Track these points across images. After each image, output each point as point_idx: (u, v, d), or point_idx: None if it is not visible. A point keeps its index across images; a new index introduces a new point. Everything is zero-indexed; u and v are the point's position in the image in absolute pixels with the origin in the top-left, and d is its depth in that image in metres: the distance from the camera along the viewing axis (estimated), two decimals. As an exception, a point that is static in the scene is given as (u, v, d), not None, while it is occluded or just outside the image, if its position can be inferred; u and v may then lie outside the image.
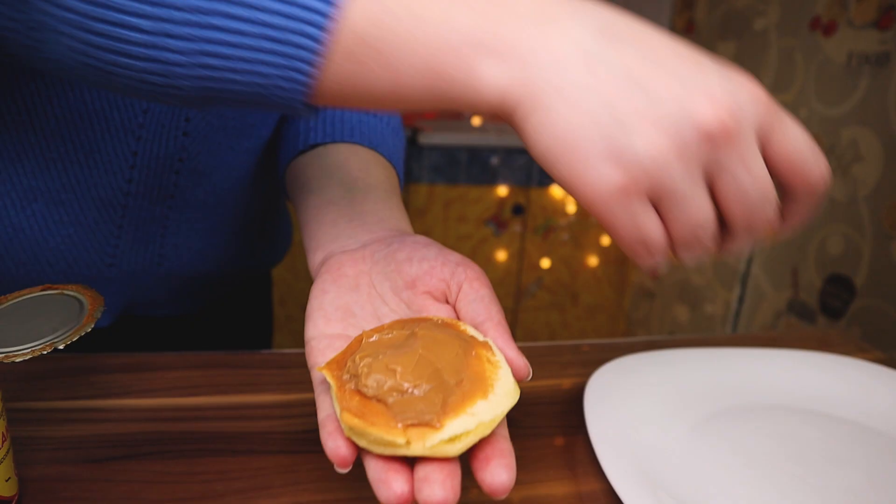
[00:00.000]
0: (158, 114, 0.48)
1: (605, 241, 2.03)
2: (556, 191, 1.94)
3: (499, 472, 0.27)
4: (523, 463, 0.43)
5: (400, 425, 0.28)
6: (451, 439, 0.28)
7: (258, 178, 0.59)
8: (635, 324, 2.08)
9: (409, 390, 0.29)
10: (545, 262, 2.01)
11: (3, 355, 0.34)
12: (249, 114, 0.52)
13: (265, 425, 0.46)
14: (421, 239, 0.38)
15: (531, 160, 1.90)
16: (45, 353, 0.33)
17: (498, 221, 1.94)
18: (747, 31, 1.61)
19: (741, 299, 1.61)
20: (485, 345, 0.32)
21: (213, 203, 0.55)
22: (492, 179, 1.89)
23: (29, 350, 0.34)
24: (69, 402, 0.46)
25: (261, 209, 0.62)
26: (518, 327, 2.05)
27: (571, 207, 1.97)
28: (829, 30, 1.38)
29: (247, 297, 0.70)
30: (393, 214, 0.42)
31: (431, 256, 0.36)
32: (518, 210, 1.94)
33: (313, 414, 0.47)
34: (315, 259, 0.40)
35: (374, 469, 0.28)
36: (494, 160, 1.87)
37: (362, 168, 0.47)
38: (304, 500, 0.39)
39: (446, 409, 0.28)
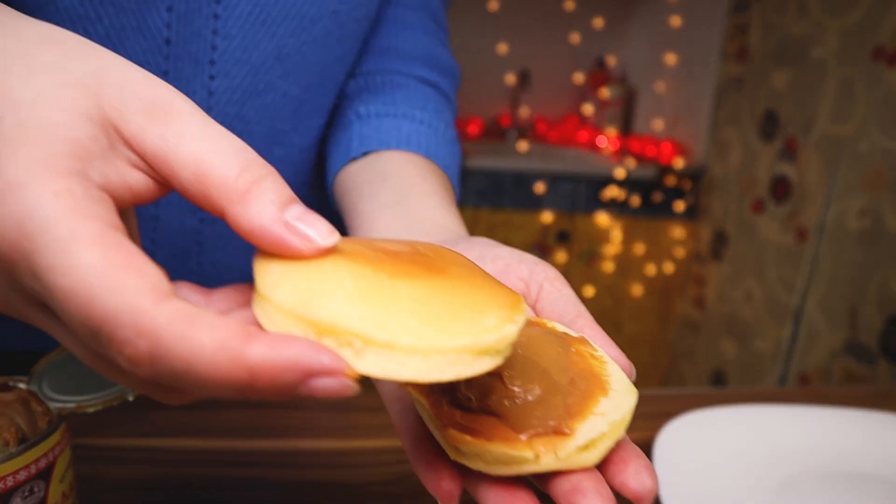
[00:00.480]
0: None
1: (650, 270, 2.00)
2: (601, 218, 1.92)
3: (641, 474, 0.24)
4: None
5: (524, 436, 0.24)
6: (587, 445, 0.24)
7: (297, 191, 0.58)
8: (680, 357, 2.04)
9: (522, 395, 0.25)
10: (589, 290, 1.99)
11: (75, 405, 0.34)
12: (277, 118, 0.51)
13: (322, 475, 0.45)
14: (489, 240, 0.35)
15: (577, 186, 1.89)
16: (114, 404, 0.33)
17: (542, 247, 1.93)
18: (804, 59, 1.57)
19: (794, 337, 1.56)
20: (581, 340, 0.28)
21: None
22: (536, 205, 1.88)
23: (101, 400, 0.34)
24: (127, 440, 0.46)
25: None
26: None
27: (617, 234, 1.95)
28: (893, 60, 1.34)
29: None
30: (451, 220, 0.41)
31: (506, 255, 0.33)
32: (562, 237, 1.92)
33: (376, 464, 0.47)
34: None
35: (495, 497, 0.24)
36: (539, 186, 1.86)
37: (418, 175, 0.46)
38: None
39: (570, 412, 0.24)
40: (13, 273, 0.20)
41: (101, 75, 0.22)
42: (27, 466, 0.31)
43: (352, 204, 0.45)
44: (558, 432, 0.24)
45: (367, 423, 0.51)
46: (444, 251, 0.26)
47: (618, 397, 0.25)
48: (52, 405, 0.34)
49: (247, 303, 0.24)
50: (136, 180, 0.22)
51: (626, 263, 1.98)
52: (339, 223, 0.64)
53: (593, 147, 2.17)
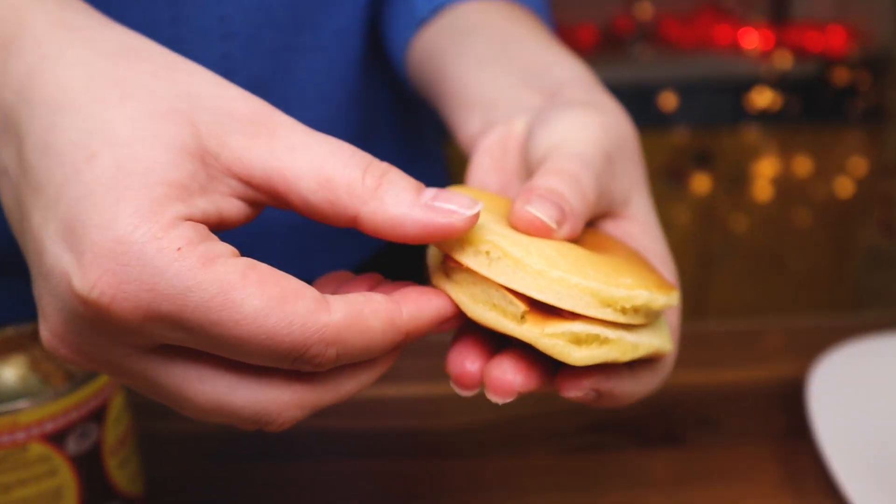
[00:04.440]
0: (191, 17, 0.48)
1: (820, 192, 1.89)
2: (750, 132, 1.83)
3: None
4: (730, 477, 0.42)
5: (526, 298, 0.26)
6: (580, 339, 0.26)
7: (336, 98, 0.55)
8: (867, 296, 1.93)
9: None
10: (740, 222, 1.91)
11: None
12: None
13: (411, 425, 0.46)
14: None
15: (717, 95, 1.81)
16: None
17: (676, 173, 1.87)
18: None
19: None
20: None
21: None
22: (665, 122, 1.82)
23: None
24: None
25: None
26: (708, 304, 1.98)
27: (772, 151, 1.86)
28: None
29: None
30: (557, 60, 0.40)
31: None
32: (702, 158, 1.86)
33: (467, 411, 0.47)
34: (469, 123, 0.38)
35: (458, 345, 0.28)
36: (668, 98, 1.80)
37: (509, 19, 0.45)
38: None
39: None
40: (139, 329, 0.23)
41: (194, 99, 0.25)
42: (77, 406, 0.33)
43: (439, 72, 0.44)
44: (564, 316, 0.26)
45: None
46: (613, 239, 0.31)
47: (658, 329, 0.28)
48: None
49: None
50: (230, 208, 0.25)
51: (787, 186, 1.89)
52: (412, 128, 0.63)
53: (735, 46, 2.06)
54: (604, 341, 0.26)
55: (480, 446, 0.45)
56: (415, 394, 0.49)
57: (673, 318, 0.32)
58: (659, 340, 0.28)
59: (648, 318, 0.28)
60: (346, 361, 0.25)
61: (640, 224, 0.33)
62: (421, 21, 0.49)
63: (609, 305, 0.26)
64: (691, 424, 0.47)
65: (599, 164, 0.31)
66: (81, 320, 0.23)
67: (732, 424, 0.46)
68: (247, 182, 0.25)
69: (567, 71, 0.38)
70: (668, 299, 0.27)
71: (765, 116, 1.83)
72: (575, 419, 0.47)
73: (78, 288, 0.22)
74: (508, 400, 0.27)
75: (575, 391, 0.27)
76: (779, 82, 1.81)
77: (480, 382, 0.28)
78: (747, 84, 1.81)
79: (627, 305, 0.26)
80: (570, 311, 0.26)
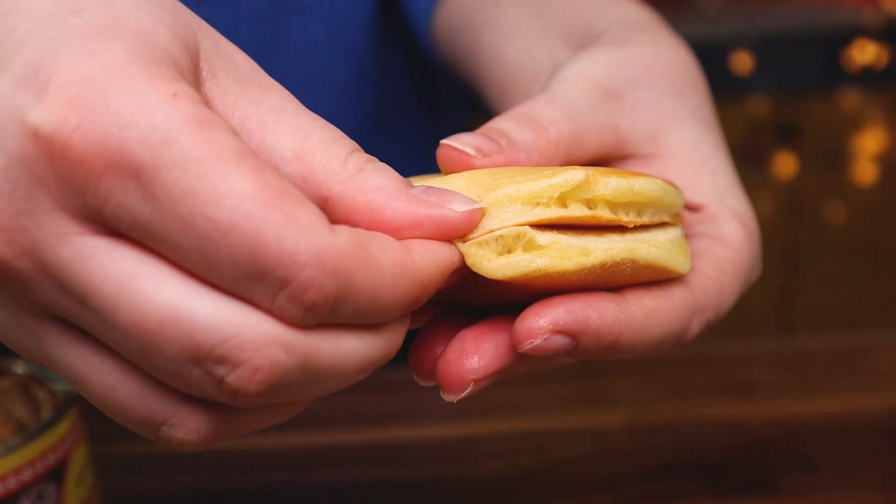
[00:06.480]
0: None
1: (936, 170, 1.87)
2: (848, 98, 1.82)
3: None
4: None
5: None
6: (509, 244, 0.26)
7: (339, 77, 0.57)
8: None
9: None
10: (837, 211, 1.90)
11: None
12: None
13: (435, 473, 0.46)
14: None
15: (804, 52, 1.80)
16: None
17: (754, 151, 1.86)
18: None
19: None
20: None
21: None
22: (739, 89, 1.81)
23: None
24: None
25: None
26: (797, 315, 1.97)
27: (876, 121, 1.84)
28: None
29: None
30: (602, 9, 0.42)
31: None
32: (786, 132, 1.85)
33: (504, 453, 0.48)
34: (510, 103, 0.40)
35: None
36: (742, 59, 1.79)
37: None
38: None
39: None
40: (95, 182, 0.21)
41: (198, 20, 0.25)
42: (31, 463, 0.34)
43: (471, 46, 0.46)
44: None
45: (486, 402, 0.52)
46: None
47: (664, 238, 0.29)
48: (59, 387, 0.38)
49: None
50: None
51: None
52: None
53: (827, -10, 2.05)
54: (530, 246, 0.26)
55: (524, 497, 0.45)
56: (443, 435, 0.50)
57: (723, 253, 0.32)
58: (647, 246, 0.28)
59: (651, 216, 0.29)
60: (347, 311, 0.22)
61: (680, 159, 0.35)
62: None
63: (537, 202, 0.26)
64: (784, 467, 0.47)
65: (587, 101, 0.33)
66: (22, 166, 0.21)
67: (834, 466, 0.46)
68: None
69: (610, 19, 0.40)
70: (648, 182, 0.28)
71: (867, 77, 1.82)
72: (635, 461, 0.47)
73: (31, 119, 0.21)
74: (466, 389, 0.27)
75: (529, 338, 0.26)
76: (885, 32, 1.79)
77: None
78: (844, 37, 1.80)
79: (585, 196, 0.27)
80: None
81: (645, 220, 0.29)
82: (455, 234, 0.26)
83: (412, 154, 0.54)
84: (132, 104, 0.21)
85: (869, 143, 1.88)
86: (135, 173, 0.21)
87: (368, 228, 0.24)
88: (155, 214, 0.21)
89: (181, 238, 0.21)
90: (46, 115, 0.21)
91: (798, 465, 0.47)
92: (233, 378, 0.21)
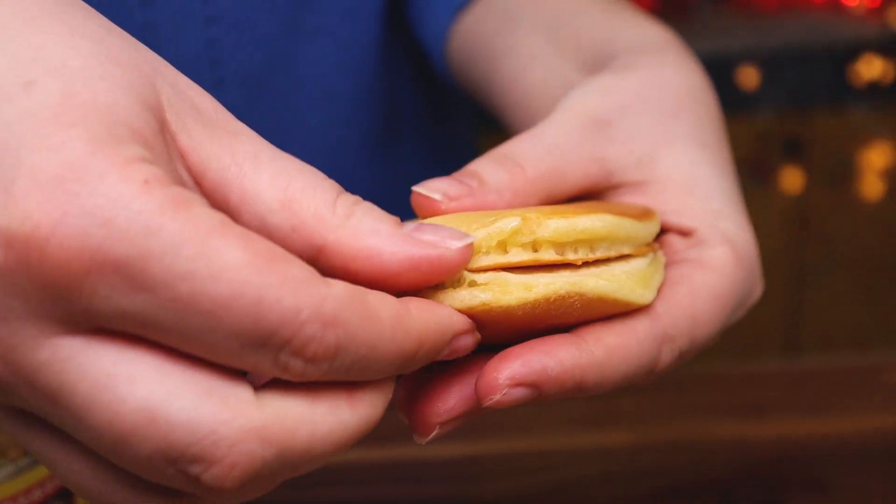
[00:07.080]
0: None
1: (944, 186, 1.87)
2: (855, 113, 1.82)
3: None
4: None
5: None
6: (468, 283, 0.27)
7: (342, 96, 0.56)
8: None
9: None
10: (842, 227, 1.90)
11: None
12: None
13: (449, 491, 0.47)
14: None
15: (811, 67, 1.80)
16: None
17: (760, 166, 1.86)
18: None
19: None
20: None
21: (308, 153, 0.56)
22: (745, 103, 1.81)
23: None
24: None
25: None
26: (803, 333, 1.96)
27: (885, 136, 1.84)
28: None
29: None
30: (616, 30, 0.42)
31: None
32: (792, 147, 1.85)
33: (518, 472, 0.48)
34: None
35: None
36: (748, 74, 1.79)
37: None
38: None
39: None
40: (79, 284, 0.20)
41: (159, 67, 0.25)
42: (41, 483, 0.34)
43: (488, 71, 0.46)
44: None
45: (493, 421, 0.52)
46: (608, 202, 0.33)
47: (621, 270, 0.30)
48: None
49: None
50: None
51: (904, 180, 1.88)
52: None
53: (835, 3, 2.05)
54: (473, 284, 0.27)
55: (531, 519, 0.45)
56: (451, 454, 0.50)
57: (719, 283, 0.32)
58: (594, 280, 0.28)
59: (606, 251, 0.30)
60: (346, 363, 0.23)
61: (672, 184, 0.35)
62: (459, 6, 0.51)
63: (478, 250, 0.27)
64: (794, 488, 0.47)
65: (572, 134, 0.34)
66: None
67: (846, 488, 0.46)
68: (197, 180, 0.24)
69: (622, 42, 0.40)
70: (594, 220, 0.29)
71: (874, 92, 1.82)
72: (643, 482, 0.47)
73: (4, 222, 0.20)
74: (433, 431, 0.28)
75: (489, 394, 0.27)
76: (892, 48, 1.80)
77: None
78: (851, 52, 1.80)
79: (525, 240, 0.28)
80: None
81: (599, 255, 0.29)
82: (453, 271, 0.26)
83: (420, 171, 0.55)
84: (105, 201, 0.20)
85: (876, 159, 1.88)
86: (121, 269, 0.20)
87: (367, 274, 0.25)
88: (148, 303, 0.21)
89: (179, 321, 0.21)
90: (19, 222, 0.20)
91: (809, 487, 0.47)
92: (208, 476, 0.21)
